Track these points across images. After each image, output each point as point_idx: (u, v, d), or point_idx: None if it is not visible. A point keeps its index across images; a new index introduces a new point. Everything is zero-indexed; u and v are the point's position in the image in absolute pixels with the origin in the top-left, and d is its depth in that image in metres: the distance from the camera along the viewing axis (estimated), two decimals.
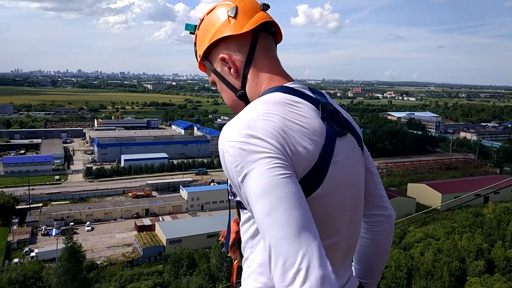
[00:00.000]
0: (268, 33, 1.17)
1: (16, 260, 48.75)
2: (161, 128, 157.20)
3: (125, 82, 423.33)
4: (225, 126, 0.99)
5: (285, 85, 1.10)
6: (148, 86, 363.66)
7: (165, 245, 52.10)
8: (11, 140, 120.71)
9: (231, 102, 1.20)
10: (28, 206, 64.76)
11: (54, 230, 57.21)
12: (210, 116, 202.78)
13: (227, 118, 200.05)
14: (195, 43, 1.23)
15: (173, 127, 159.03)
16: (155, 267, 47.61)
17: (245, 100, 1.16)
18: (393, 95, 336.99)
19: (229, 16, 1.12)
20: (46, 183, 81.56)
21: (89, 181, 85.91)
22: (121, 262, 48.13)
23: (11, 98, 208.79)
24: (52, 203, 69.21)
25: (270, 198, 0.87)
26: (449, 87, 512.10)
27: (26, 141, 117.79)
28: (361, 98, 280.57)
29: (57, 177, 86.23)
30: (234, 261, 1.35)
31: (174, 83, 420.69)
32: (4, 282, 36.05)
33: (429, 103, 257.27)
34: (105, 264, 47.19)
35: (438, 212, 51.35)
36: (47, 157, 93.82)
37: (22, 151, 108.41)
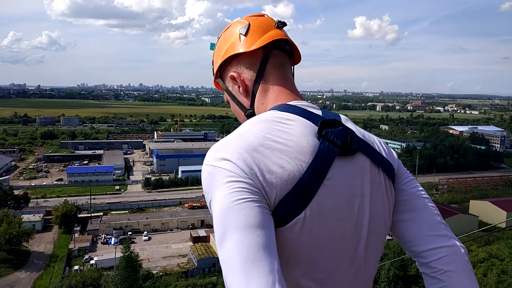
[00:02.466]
0: (282, 52, 1.11)
1: (76, 267, 50.60)
2: (218, 140, 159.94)
3: (184, 96, 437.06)
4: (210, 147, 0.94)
5: (288, 103, 1.02)
6: (206, 99, 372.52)
7: None
8: (76, 151, 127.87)
9: (242, 121, 1.11)
10: (90, 215, 67.67)
11: (113, 239, 59.08)
12: None
13: None
14: (212, 62, 1.20)
15: None
16: (209, 278, 47.59)
17: None
18: (455, 108, 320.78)
19: (240, 33, 1.09)
20: (107, 192, 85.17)
21: (148, 192, 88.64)
22: (176, 273, 48.63)
23: (77, 111, 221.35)
24: (112, 212, 71.90)
25: (223, 225, 0.80)
26: None
27: (89, 152, 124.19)
28: (421, 111, 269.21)
29: (117, 187, 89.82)
30: None
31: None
32: None
33: (493, 117, 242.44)
34: (161, 274, 47.88)
35: (502, 230, 47.97)
36: (108, 167, 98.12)
37: (86, 162, 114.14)
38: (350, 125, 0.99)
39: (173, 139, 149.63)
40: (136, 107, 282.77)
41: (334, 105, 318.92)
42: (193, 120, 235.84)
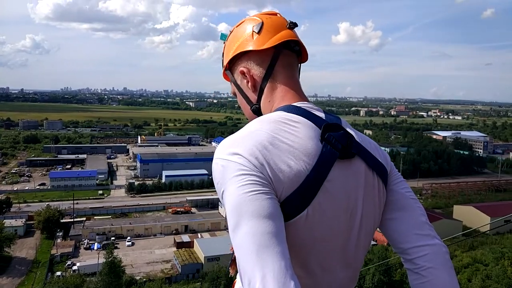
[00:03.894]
0: (291, 51, 1.17)
1: (58, 273, 49.70)
2: (202, 145, 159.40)
3: (169, 100, 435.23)
4: (220, 143, 1.02)
5: (294, 104, 1.09)
6: (190, 103, 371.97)
7: (203, 262, 51.79)
8: (59, 155, 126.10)
9: (247, 114, 1.21)
10: (72, 220, 66.73)
11: (96, 244, 58.29)
12: None
13: None
14: (223, 53, 1.27)
15: (213, 144, 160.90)
16: (192, 284, 47.33)
17: (259, 114, 1.16)
18: (438, 114, 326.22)
19: (253, 31, 1.15)
20: (90, 197, 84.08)
21: (131, 196, 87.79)
22: (159, 279, 48.12)
23: (60, 114, 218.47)
24: (95, 217, 71.00)
25: (237, 214, 0.87)
26: (498, 105, 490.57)
27: (73, 157, 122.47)
28: (404, 117, 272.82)
29: (100, 191, 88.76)
30: (234, 277, 1.27)
31: (215, 101, 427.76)
32: None
33: (476, 122, 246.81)
34: (144, 280, 47.34)
35: (485, 236, 48.57)
36: (91, 172, 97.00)
37: (69, 166, 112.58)
38: (350, 129, 1.07)
39: (157, 144, 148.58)
40: (120, 111, 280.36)
41: None
42: (177, 125, 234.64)
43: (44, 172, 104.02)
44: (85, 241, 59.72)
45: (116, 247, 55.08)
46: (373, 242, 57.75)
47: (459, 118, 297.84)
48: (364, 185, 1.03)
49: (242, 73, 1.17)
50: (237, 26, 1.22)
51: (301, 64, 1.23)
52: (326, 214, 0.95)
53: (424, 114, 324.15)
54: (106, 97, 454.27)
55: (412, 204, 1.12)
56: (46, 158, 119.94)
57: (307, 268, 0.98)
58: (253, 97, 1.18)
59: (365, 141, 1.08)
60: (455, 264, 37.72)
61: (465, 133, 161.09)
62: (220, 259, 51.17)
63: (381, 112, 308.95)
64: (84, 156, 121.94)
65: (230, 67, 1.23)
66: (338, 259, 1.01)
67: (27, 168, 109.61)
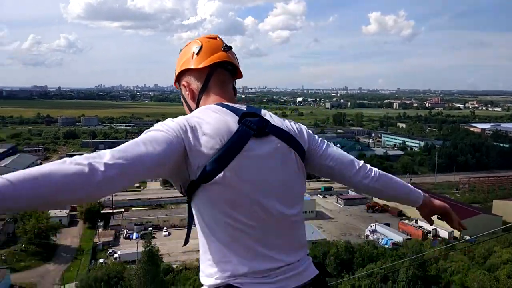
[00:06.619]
0: (225, 70, 1.48)
1: (101, 260, 52.62)
2: None
3: None
4: None
5: (220, 102, 1.41)
6: None
7: None
8: (96, 150, 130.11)
9: None
10: (112, 211, 69.65)
11: (134, 234, 60.88)
12: None
13: None
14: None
15: None
16: None
17: None
18: (476, 105, 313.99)
19: (193, 52, 1.46)
20: (128, 190, 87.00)
21: (166, 189, 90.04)
22: (195, 267, 49.75)
23: (96, 111, 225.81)
24: (132, 208, 73.85)
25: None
26: None
27: None
28: (440, 109, 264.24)
29: (137, 184, 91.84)
30: None
31: (243, 96, 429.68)
32: (91, 280, 39.01)
33: None
34: (181, 268, 49.13)
35: None
36: None
37: None
38: (268, 116, 1.38)
39: None
40: (152, 107, 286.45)
41: (349, 103, 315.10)
42: None
43: None
44: (124, 231, 62.45)
45: (154, 237, 57.13)
46: (407, 237, 57.03)
47: (499, 109, 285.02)
48: (281, 155, 1.34)
49: (184, 86, 1.51)
50: (185, 46, 1.54)
51: (237, 79, 1.55)
52: (244, 174, 1.24)
53: (461, 106, 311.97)
54: (138, 93, 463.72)
55: (341, 153, 1.52)
56: (85, 153, 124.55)
57: (234, 218, 1.25)
58: (192, 105, 1.50)
59: (284, 125, 1.40)
60: (495, 261, 36.91)
61: (505, 125, 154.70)
62: None
63: (415, 104, 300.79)
64: None
65: (177, 79, 1.56)
66: (262, 211, 1.27)
67: None
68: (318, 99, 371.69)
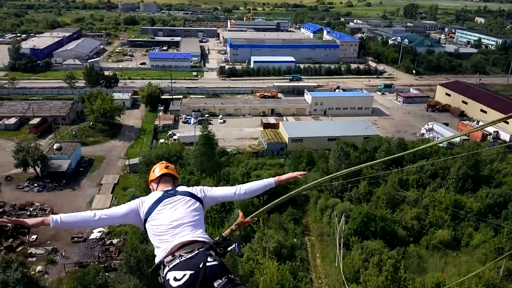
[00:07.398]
0: (167, 177, 3.67)
1: (162, 140, 56.94)
2: (290, 31, 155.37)
3: None
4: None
5: (162, 190, 3.47)
6: None
7: (287, 142, 54.85)
8: (155, 37, 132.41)
9: None
10: (171, 97, 72.85)
11: (192, 119, 64.37)
12: (342, 19, 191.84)
13: (360, 21, 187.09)
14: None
15: (302, 30, 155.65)
16: (277, 160, 51.03)
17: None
18: None
19: (153, 170, 3.74)
20: (185, 78, 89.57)
21: (222, 79, 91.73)
22: (248, 152, 52.62)
23: None
24: (190, 96, 76.59)
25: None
26: None
27: (168, 39, 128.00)
28: None
29: (194, 73, 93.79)
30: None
31: None
32: (153, 157, 42.70)
33: None
34: (234, 152, 52.09)
35: None
36: (186, 54, 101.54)
37: (165, 48, 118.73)
38: (181, 188, 3.46)
39: (245, 29, 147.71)
40: None
41: None
42: (266, 9, 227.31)
43: (143, 53, 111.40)
44: (183, 115, 66.13)
45: (210, 123, 60.09)
46: (465, 137, 55.18)
47: None
48: (184, 203, 3.29)
49: (151, 185, 3.72)
50: (152, 170, 3.77)
51: (177, 179, 3.75)
52: (160, 216, 3.19)
53: None
54: None
55: (218, 189, 3.59)
56: (145, 40, 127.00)
57: (161, 239, 3.05)
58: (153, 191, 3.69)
59: (189, 189, 3.45)
60: None
61: None
62: (303, 140, 53.61)
63: None
64: (179, 38, 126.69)
65: (150, 183, 3.74)
66: (173, 230, 3.06)
67: (129, 48, 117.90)
68: None
